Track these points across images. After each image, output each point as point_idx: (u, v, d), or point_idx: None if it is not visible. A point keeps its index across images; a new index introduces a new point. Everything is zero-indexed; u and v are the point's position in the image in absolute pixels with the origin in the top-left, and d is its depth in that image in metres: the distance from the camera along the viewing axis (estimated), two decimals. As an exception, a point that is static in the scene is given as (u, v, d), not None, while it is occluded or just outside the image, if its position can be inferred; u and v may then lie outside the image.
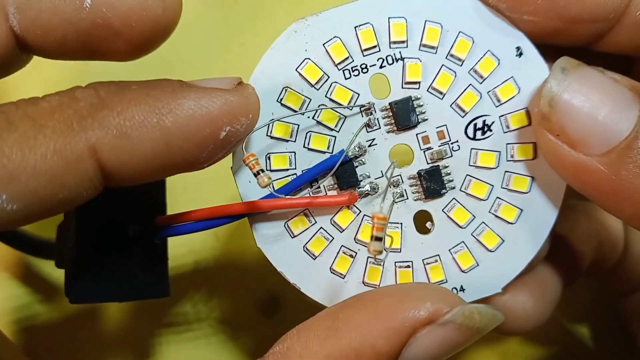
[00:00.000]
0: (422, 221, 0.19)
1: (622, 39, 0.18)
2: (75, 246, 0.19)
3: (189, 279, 0.24)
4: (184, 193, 0.25)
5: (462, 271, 0.19)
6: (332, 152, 0.18)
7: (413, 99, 0.18)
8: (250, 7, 0.28)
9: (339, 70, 0.18)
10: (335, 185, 0.18)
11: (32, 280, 0.25)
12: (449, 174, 0.19)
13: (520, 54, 0.18)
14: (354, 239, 0.18)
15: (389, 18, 0.18)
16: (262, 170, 0.16)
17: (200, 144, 0.15)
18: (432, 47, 0.18)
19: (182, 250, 0.23)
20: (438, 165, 0.19)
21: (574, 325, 0.27)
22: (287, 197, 0.17)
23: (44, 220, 0.18)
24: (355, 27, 0.18)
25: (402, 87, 0.18)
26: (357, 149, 0.18)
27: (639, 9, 0.17)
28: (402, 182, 0.19)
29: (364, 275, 0.19)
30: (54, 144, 0.14)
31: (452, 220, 0.19)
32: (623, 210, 0.16)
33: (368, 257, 0.18)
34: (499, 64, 0.18)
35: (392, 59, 0.18)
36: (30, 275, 0.25)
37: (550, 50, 0.18)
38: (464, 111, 0.18)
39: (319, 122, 0.18)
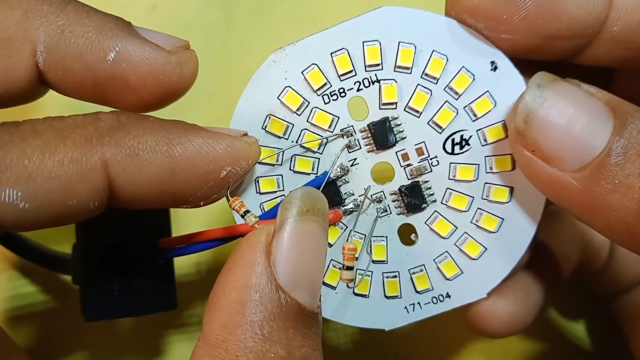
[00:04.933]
0: (407, 233, 0.20)
1: (600, 52, 0.18)
2: (85, 268, 0.20)
3: (193, 284, 0.26)
4: (190, 211, 0.26)
5: (447, 279, 0.20)
6: (316, 174, 0.19)
7: (390, 119, 0.19)
8: (250, 7, 0.28)
9: (318, 95, 0.19)
10: (322, 204, 0.19)
11: (39, 279, 0.25)
12: (430, 188, 0.19)
13: (495, 68, 0.19)
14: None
15: (363, 42, 0.19)
16: (248, 211, 0.17)
17: (202, 178, 0.17)
18: (407, 68, 0.19)
19: (186, 257, 0.25)
20: (418, 181, 0.19)
21: (572, 322, 0.28)
22: (271, 220, 0.19)
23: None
24: (331, 54, 0.19)
25: (380, 109, 0.19)
26: (339, 170, 0.19)
27: (615, 24, 0.17)
28: (385, 197, 0.19)
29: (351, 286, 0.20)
30: (72, 153, 0.15)
31: (435, 232, 0.20)
32: (596, 223, 0.17)
33: (357, 269, 0.20)
34: (473, 79, 0.19)
35: (369, 82, 0.19)
36: (37, 274, 0.25)
37: (528, 64, 0.19)
38: (441, 128, 0.19)
39: (302, 146, 0.19)
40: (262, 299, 0.15)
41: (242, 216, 0.17)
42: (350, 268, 0.17)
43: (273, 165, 0.19)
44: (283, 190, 0.19)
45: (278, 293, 0.15)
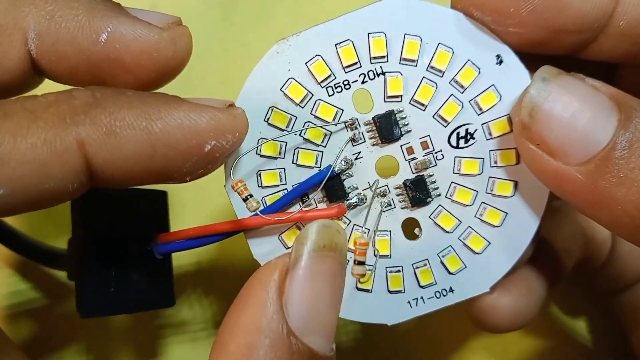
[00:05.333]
0: (410, 228, 0.20)
1: (606, 47, 0.18)
2: (81, 262, 0.20)
3: (191, 282, 0.25)
4: (188, 207, 0.26)
5: (451, 273, 0.19)
6: (320, 167, 0.19)
7: (395, 112, 0.19)
8: (250, 7, 0.28)
9: (322, 87, 0.19)
10: (325, 198, 0.19)
11: (35, 278, 0.25)
12: (434, 182, 0.19)
13: (501, 62, 0.19)
14: (346, 247, 0.19)
15: (368, 34, 0.18)
16: (251, 195, 0.17)
17: (184, 153, 0.16)
18: (412, 60, 0.19)
19: (184, 254, 0.25)
20: (423, 175, 0.19)
21: (573, 319, 0.28)
22: (275, 213, 0.18)
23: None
24: (335, 45, 0.18)
25: (385, 101, 0.19)
26: (343, 163, 0.19)
27: (622, 19, 0.17)
28: (389, 192, 0.19)
29: (357, 281, 0.19)
30: (45, 134, 0.14)
31: (439, 226, 0.19)
32: (601, 217, 0.17)
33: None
34: (479, 73, 0.19)
35: (374, 74, 0.19)
36: (34, 272, 0.25)
37: (533, 58, 0.19)
38: (446, 121, 0.19)
39: (306, 139, 0.19)
40: (272, 346, 0.14)
41: (244, 200, 0.17)
42: (361, 263, 0.16)
43: (275, 158, 0.19)
44: (285, 184, 0.19)
45: (289, 339, 0.14)
